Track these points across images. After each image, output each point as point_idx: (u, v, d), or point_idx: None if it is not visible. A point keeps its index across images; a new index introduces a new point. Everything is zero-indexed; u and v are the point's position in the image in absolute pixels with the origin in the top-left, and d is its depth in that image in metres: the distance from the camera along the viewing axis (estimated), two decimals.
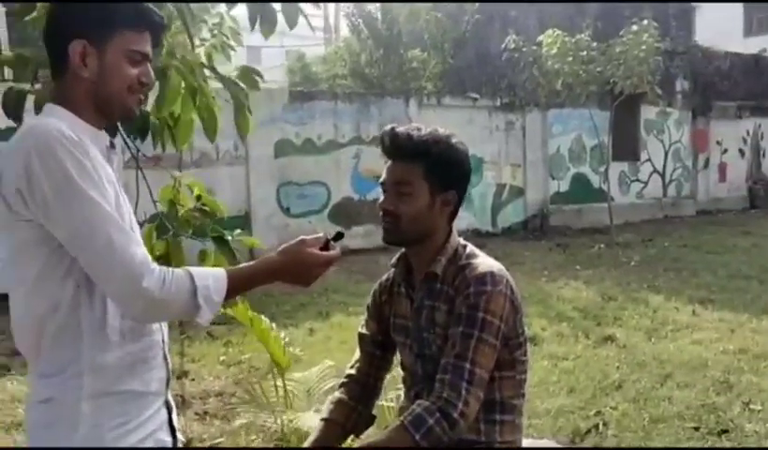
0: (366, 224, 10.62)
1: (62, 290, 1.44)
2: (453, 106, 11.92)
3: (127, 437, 1.49)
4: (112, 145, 1.59)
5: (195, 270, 1.48)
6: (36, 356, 1.49)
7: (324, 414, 2.00)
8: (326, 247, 1.63)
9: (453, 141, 1.85)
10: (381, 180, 1.87)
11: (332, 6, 20.95)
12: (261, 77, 2.70)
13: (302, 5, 2.64)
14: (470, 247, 1.90)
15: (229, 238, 2.58)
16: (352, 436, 2.06)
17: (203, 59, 3.23)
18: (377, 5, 14.70)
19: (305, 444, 1.96)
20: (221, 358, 5.45)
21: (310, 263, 1.59)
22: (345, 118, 10.91)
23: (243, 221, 9.72)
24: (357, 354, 2.08)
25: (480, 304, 1.74)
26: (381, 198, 1.87)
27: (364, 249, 10.18)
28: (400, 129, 1.83)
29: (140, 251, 1.43)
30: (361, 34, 14.35)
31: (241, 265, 1.61)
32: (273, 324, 3.48)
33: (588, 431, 3.93)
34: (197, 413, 4.28)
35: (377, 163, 10.21)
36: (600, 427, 3.98)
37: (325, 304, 7.24)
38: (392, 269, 2.02)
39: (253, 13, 2.52)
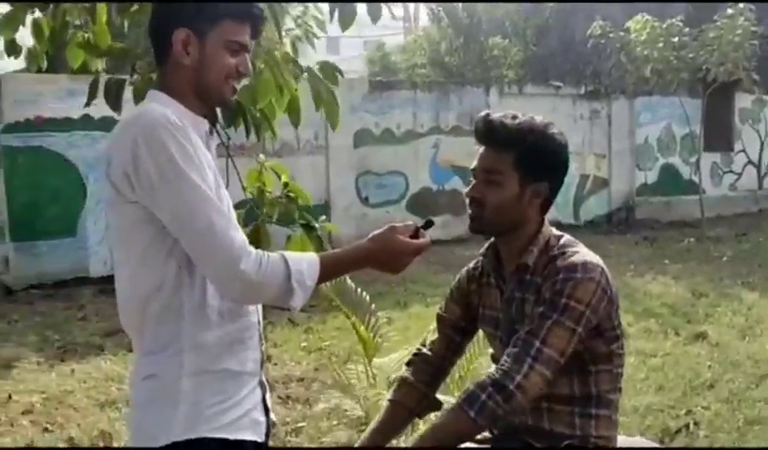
0: (444, 214, 10.54)
1: (165, 270, 1.49)
2: (536, 94, 11.66)
3: (225, 414, 1.53)
4: (211, 131, 1.63)
5: (289, 254, 1.50)
6: (140, 335, 1.54)
7: (390, 396, 1.96)
8: (416, 235, 1.62)
9: (550, 130, 1.79)
10: (472, 166, 1.83)
11: None
12: (341, 73, 2.75)
13: None
14: (565, 238, 1.83)
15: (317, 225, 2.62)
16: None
17: (288, 49, 3.32)
18: None
19: (372, 424, 1.93)
20: (302, 344, 5.54)
21: (400, 251, 1.58)
22: (424, 108, 10.86)
23: (323, 210, 9.84)
24: (433, 335, 2.04)
25: (564, 290, 1.68)
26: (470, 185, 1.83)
27: (442, 240, 10.09)
28: (494, 116, 1.78)
29: (239, 235, 1.47)
30: (441, 22, 14.23)
31: (332, 251, 1.62)
32: (373, 306, 3.49)
33: (678, 431, 3.79)
34: (279, 397, 4.36)
35: (456, 153, 10.12)
36: (691, 426, 3.83)
37: (403, 294, 7.24)
38: (481, 258, 1.97)
39: (332, 7, 2.58)
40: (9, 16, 2.85)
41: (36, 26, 2.89)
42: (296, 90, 2.66)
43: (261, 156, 2.87)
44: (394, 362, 3.63)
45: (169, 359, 1.50)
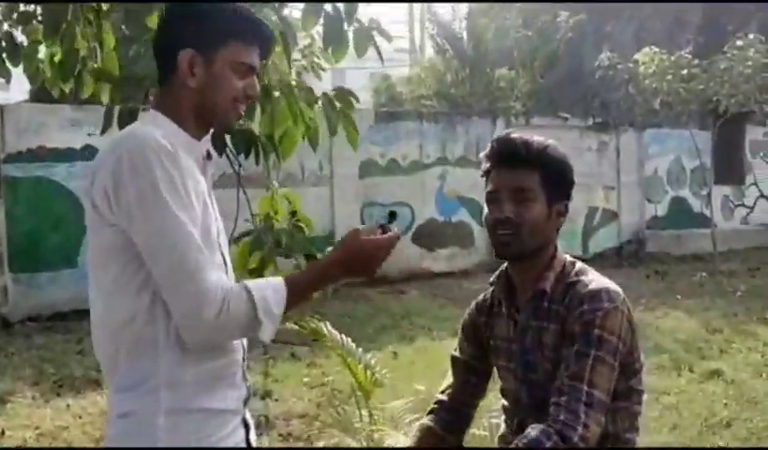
0: (451, 247, 10.43)
1: (138, 300, 1.41)
2: (543, 126, 11.57)
3: None
4: (209, 156, 1.57)
5: (252, 284, 1.43)
6: (114, 369, 1.47)
7: (412, 443, 1.89)
8: (383, 233, 1.57)
9: (560, 149, 1.75)
10: (489, 189, 1.72)
11: (416, 26, 21.06)
12: (356, 98, 2.74)
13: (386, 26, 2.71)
14: (579, 264, 1.75)
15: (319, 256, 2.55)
16: None
17: (294, 79, 3.29)
18: (462, 24, 14.59)
19: None
20: (304, 379, 5.40)
21: (370, 249, 1.52)
22: (430, 139, 10.81)
23: (328, 241, 9.73)
24: (449, 379, 1.94)
25: (595, 320, 1.59)
26: (486, 210, 1.72)
27: (448, 273, 9.98)
28: (515, 135, 1.72)
29: (212, 275, 1.39)
30: (446, 53, 14.24)
31: (298, 271, 1.57)
32: (359, 349, 3.35)
33: None
34: (280, 434, 4.22)
35: (463, 184, 9.99)
36: None
37: (408, 327, 7.10)
38: (490, 288, 1.86)
39: (326, 43, 2.58)
40: (29, 50, 2.97)
41: (50, 55, 2.92)
42: (310, 118, 2.65)
43: (275, 182, 2.81)
44: (400, 403, 3.49)
45: (145, 396, 1.41)
